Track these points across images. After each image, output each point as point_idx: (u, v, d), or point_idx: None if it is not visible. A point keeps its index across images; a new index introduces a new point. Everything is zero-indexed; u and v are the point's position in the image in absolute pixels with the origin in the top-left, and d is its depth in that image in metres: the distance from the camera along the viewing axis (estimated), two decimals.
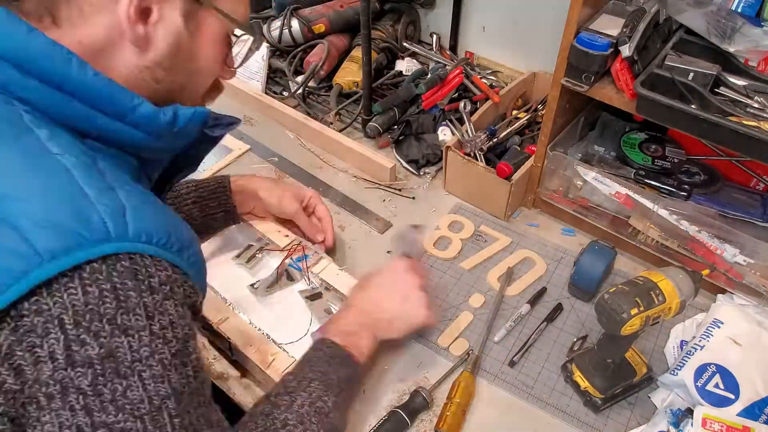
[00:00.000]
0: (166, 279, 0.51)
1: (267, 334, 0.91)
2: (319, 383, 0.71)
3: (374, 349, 0.81)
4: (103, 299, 0.46)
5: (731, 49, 0.88)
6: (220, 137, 0.66)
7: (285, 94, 1.43)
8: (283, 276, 1.00)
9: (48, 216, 0.46)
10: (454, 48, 1.50)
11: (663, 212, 0.98)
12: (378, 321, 0.82)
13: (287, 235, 1.03)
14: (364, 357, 0.79)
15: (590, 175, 1.03)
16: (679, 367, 0.85)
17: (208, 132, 0.62)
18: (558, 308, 0.99)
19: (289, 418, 0.66)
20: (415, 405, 0.84)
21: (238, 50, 0.67)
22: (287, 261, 1.00)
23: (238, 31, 0.64)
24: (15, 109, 0.50)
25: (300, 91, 1.39)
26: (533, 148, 1.14)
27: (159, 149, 0.59)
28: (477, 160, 1.13)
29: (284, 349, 0.89)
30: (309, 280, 0.98)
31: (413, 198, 1.20)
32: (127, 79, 0.55)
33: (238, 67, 0.67)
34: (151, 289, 0.49)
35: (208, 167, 1.25)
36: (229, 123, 0.65)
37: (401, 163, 1.26)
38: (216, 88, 0.66)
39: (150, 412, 0.47)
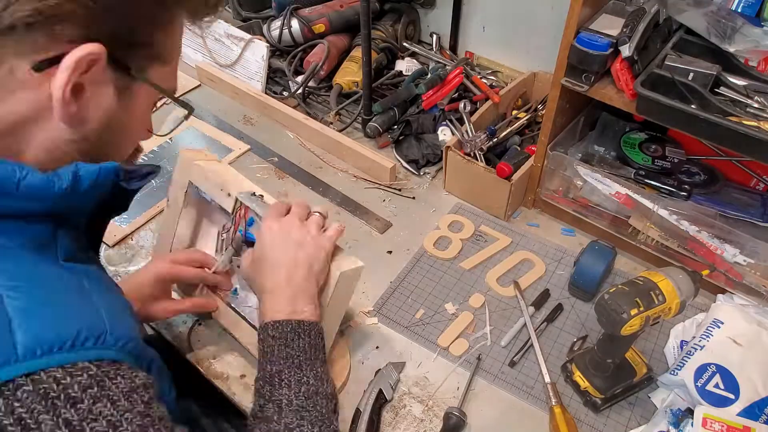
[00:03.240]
0: (88, 383, 0.44)
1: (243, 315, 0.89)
2: (288, 371, 0.67)
3: (317, 305, 0.74)
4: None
5: (731, 49, 0.88)
6: (139, 188, 0.61)
7: (285, 94, 1.43)
8: (243, 247, 0.88)
9: None
10: (454, 48, 1.50)
11: (663, 212, 0.98)
12: (301, 284, 0.73)
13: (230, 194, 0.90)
14: (312, 315, 0.72)
15: (590, 175, 1.03)
16: (679, 367, 0.85)
17: (124, 185, 0.57)
18: (558, 308, 0.99)
19: (287, 422, 0.63)
20: (451, 427, 0.83)
21: (171, 126, 0.66)
22: (238, 231, 0.89)
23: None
24: None
25: (300, 91, 1.39)
26: (533, 148, 1.14)
27: (71, 209, 0.54)
28: (477, 160, 1.13)
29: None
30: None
31: (413, 198, 1.20)
32: (48, 152, 0.51)
33: (165, 135, 0.65)
34: (69, 401, 0.43)
35: None
36: (146, 174, 0.60)
37: (401, 163, 1.26)
38: (138, 150, 0.63)
39: None
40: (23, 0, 0.43)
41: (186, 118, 0.66)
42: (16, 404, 0.41)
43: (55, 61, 0.46)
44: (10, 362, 0.42)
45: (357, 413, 0.83)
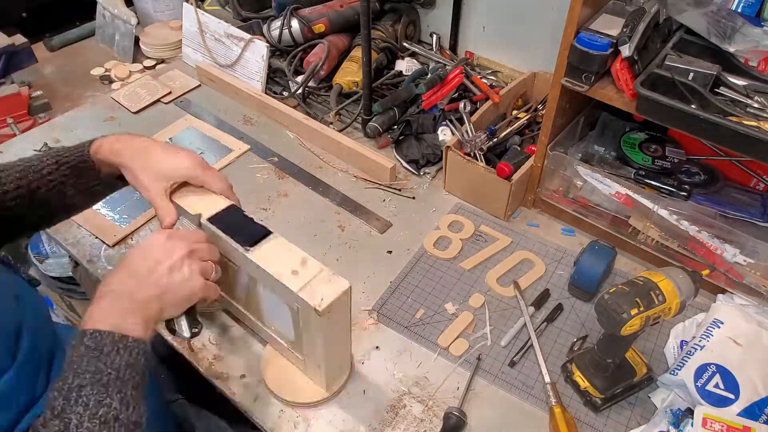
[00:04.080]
0: None
1: None
2: (92, 387, 0.58)
3: (151, 331, 0.67)
4: None
5: (731, 49, 0.88)
6: None
7: (285, 94, 1.43)
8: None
9: None
10: (454, 48, 1.50)
11: (663, 212, 0.98)
12: (144, 301, 0.67)
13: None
14: (142, 333, 0.64)
15: (590, 175, 1.03)
16: (679, 367, 0.85)
17: None
18: (558, 308, 0.99)
19: None
20: (451, 427, 0.83)
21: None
22: None
23: None
24: None
25: (300, 91, 1.39)
26: (533, 148, 1.14)
27: None
28: (477, 160, 1.13)
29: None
30: None
31: (413, 198, 1.20)
32: None
33: None
34: None
35: None
36: None
37: (401, 163, 1.26)
38: None
39: None
40: None
41: None
42: None
43: None
44: None
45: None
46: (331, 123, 1.34)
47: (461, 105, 1.25)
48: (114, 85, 1.53)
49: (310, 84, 1.41)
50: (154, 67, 1.57)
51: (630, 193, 1.00)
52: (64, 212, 0.89)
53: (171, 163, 0.81)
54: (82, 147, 0.83)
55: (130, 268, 0.69)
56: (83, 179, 0.82)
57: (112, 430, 0.57)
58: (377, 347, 0.94)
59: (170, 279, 0.69)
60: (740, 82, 0.87)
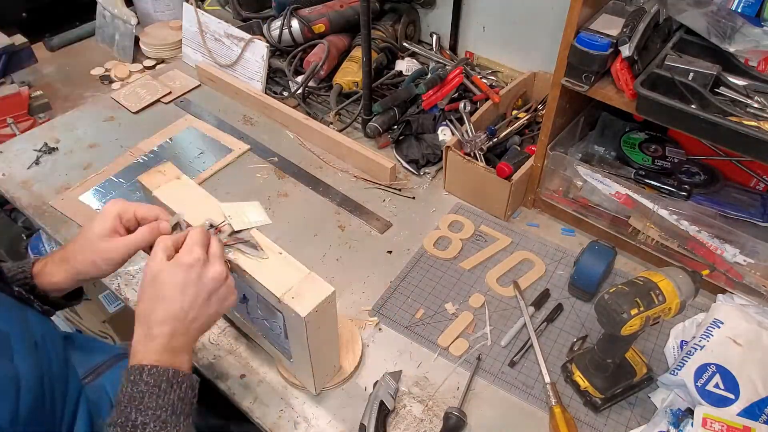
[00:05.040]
0: None
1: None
2: (154, 424, 0.61)
3: (191, 355, 0.70)
4: None
5: (731, 49, 0.88)
6: None
7: (285, 94, 1.43)
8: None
9: None
10: (454, 48, 1.50)
11: (663, 212, 0.98)
12: (193, 337, 0.70)
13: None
14: (189, 365, 0.68)
15: (590, 175, 1.03)
16: (679, 367, 0.85)
17: None
18: (558, 308, 0.99)
19: None
20: (451, 427, 0.83)
21: None
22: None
23: None
24: None
25: (300, 91, 1.39)
26: (533, 148, 1.14)
27: None
28: (477, 160, 1.13)
29: None
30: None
31: (413, 198, 1.20)
32: None
33: None
34: None
35: (208, 167, 1.25)
36: None
37: (401, 163, 1.26)
38: None
39: None
40: None
41: None
42: None
43: None
44: None
45: (362, 428, 0.83)
46: (331, 123, 1.34)
47: (461, 105, 1.25)
48: (114, 85, 1.53)
49: (310, 84, 1.41)
50: (154, 67, 1.57)
51: (630, 193, 1.00)
52: None
53: (97, 218, 0.76)
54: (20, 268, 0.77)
55: (172, 305, 0.67)
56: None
57: None
58: (377, 347, 0.94)
59: (211, 306, 0.70)
60: (740, 82, 0.87)
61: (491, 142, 1.18)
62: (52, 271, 0.76)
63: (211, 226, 0.77)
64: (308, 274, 0.74)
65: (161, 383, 0.64)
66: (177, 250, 0.71)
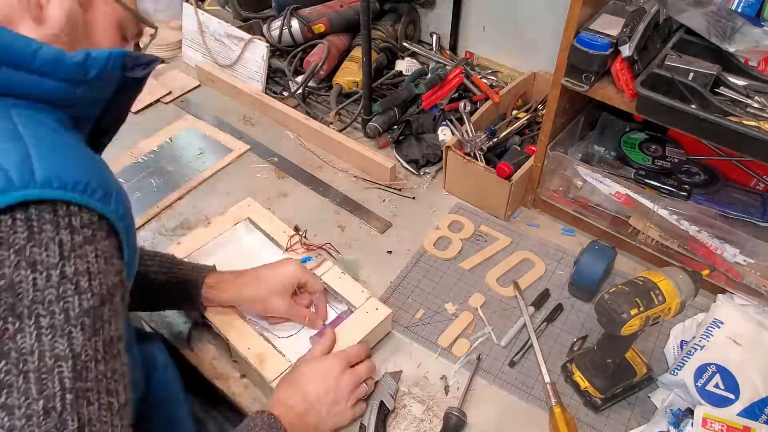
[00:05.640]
0: (89, 222, 0.48)
1: (260, 332, 0.91)
2: None
3: None
4: (14, 229, 0.44)
5: (731, 49, 0.88)
6: (144, 80, 0.64)
7: (285, 94, 1.43)
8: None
9: None
10: (454, 48, 1.50)
11: (663, 212, 0.98)
12: (306, 424, 0.78)
13: (292, 235, 1.04)
14: None
15: (590, 175, 1.03)
16: (679, 367, 0.85)
17: (129, 75, 0.60)
18: (558, 308, 0.99)
19: None
20: (451, 427, 0.83)
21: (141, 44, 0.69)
22: None
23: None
24: None
25: (300, 91, 1.39)
26: (533, 148, 1.14)
27: (83, 101, 0.58)
28: (477, 160, 1.13)
29: (278, 349, 0.88)
30: None
31: (413, 198, 1.20)
32: None
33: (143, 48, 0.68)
34: (70, 227, 0.46)
35: (208, 167, 1.25)
36: (149, 61, 0.63)
37: (401, 163, 1.26)
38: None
39: (37, 370, 0.41)
40: None
41: (153, 36, 0.70)
42: (31, 216, 0.45)
43: None
44: (28, 185, 0.46)
45: (362, 428, 0.83)
46: (331, 123, 1.34)
47: (461, 105, 1.25)
48: None
49: (310, 84, 1.41)
50: None
51: (630, 193, 1.00)
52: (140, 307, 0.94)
53: (283, 272, 0.90)
54: (194, 275, 0.89)
55: (306, 388, 0.79)
56: (180, 295, 0.88)
57: None
58: (377, 347, 0.94)
59: (330, 412, 0.79)
60: (740, 82, 0.87)
61: (491, 142, 1.18)
62: (225, 289, 0.88)
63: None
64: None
65: (273, 428, 0.71)
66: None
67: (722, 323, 0.86)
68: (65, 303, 0.44)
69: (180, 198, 1.19)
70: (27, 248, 0.44)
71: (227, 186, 1.22)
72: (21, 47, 0.52)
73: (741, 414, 0.78)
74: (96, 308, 0.46)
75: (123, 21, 0.63)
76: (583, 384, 0.87)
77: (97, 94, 0.59)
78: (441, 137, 1.25)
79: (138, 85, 0.64)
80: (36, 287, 0.43)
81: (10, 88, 0.52)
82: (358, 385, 0.83)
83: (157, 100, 1.43)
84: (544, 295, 1.01)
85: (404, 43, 1.50)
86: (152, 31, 0.69)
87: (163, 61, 0.67)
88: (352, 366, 0.83)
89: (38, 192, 0.46)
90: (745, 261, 0.93)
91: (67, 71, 0.54)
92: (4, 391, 0.41)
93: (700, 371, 0.83)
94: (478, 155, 1.14)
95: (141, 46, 0.69)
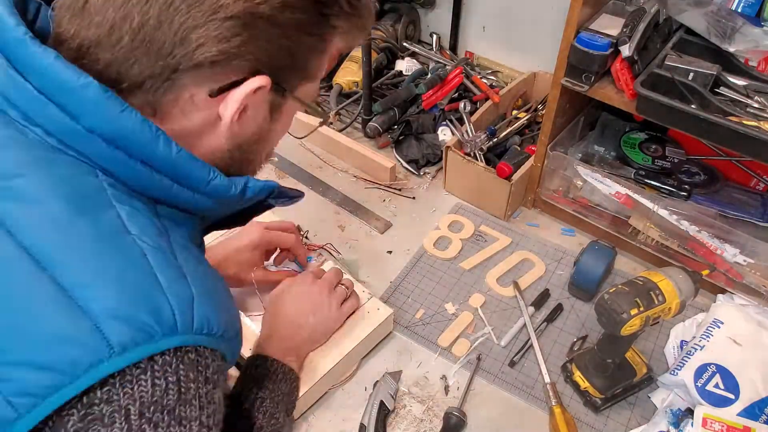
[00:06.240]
0: (217, 369, 0.51)
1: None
2: (270, 401, 0.73)
3: (302, 365, 0.84)
4: (167, 391, 0.46)
5: (731, 49, 0.88)
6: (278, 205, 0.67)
7: None
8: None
9: (121, 306, 0.45)
10: (454, 48, 1.50)
11: (663, 212, 0.98)
12: (300, 343, 0.84)
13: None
14: (298, 371, 0.81)
15: (590, 175, 1.03)
16: (679, 367, 0.85)
17: (272, 202, 0.64)
18: (558, 308, 0.99)
19: None
20: (451, 427, 0.83)
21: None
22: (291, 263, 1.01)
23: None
24: (98, 181, 0.50)
25: None
26: (533, 148, 1.14)
27: (221, 211, 0.61)
28: (477, 160, 1.13)
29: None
30: None
31: (413, 198, 1.20)
32: (204, 155, 0.56)
33: (302, 138, 0.71)
34: (206, 380, 0.49)
35: None
36: (293, 197, 0.66)
37: (401, 163, 1.26)
38: (269, 155, 0.69)
39: None
40: (211, 43, 0.48)
41: (320, 125, 0.75)
42: (181, 368, 0.47)
43: (228, 88, 0.52)
44: (187, 331, 0.48)
45: (362, 428, 0.83)
46: (331, 123, 1.34)
47: (461, 105, 1.25)
48: None
49: None
50: None
51: (630, 193, 1.00)
52: None
53: (243, 244, 0.92)
54: None
55: (284, 313, 0.85)
56: None
57: None
58: (377, 347, 0.94)
59: (315, 320, 0.85)
60: (740, 82, 0.87)
61: (491, 143, 1.18)
62: None
63: None
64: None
65: (279, 373, 0.76)
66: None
67: (722, 323, 0.86)
68: None
69: None
70: (176, 408, 0.46)
71: None
72: (201, 175, 0.53)
73: (741, 414, 0.78)
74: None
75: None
76: (583, 384, 0.87)
77: (235, 209, 0.62)
78: (441, 137, 1.25)
79: (270, 206, 0.66)
80: None
81: (175, 203, 0.54)
82: (330, 287, 0.88)
83: None
84: (544, 295, 1.01)
85: (404, 43, 1.50)
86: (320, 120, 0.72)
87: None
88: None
89: (192, 338, 0.48)
90: (745, 261, 0.93)
91: (228, 198, 0.56)
92: None
93: (700, 371, 0.83)
94: (478, 155, 1.14)
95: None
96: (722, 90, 0.87)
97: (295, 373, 0.79)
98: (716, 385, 0.81)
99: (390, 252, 1.10)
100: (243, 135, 0.57)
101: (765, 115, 0.83)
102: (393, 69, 1.45)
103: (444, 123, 1.26)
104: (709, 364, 0.83)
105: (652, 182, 1.01)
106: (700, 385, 0.82)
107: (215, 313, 0.50)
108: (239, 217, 0.66)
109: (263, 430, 0.70)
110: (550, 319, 0.98)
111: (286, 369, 0.77)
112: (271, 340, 0.81)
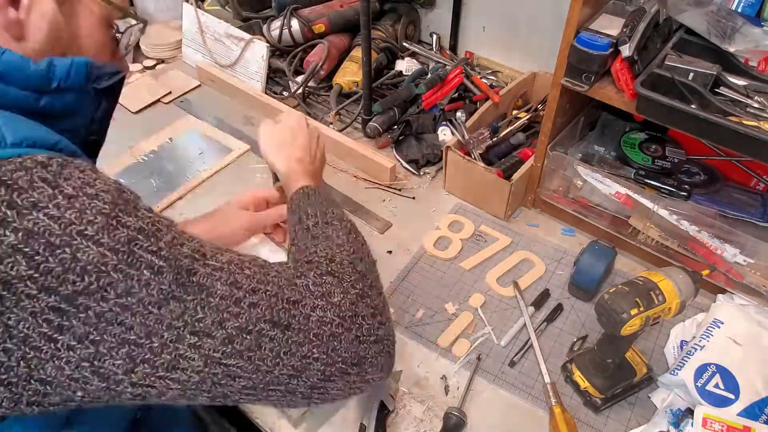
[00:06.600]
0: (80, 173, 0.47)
1: None
2: (323, 206, 0.76)
3: (319, 179, 0.90)
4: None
5: (731, 49, 0.88)
6: (116, 92, 0.63)
7: (285, 94, 1.43)
8: None
9: None
10: (454, 48, 1.50)
11: (663, 212, 0.98)
12: (298, 160, 0.86)
13: None
14: (312, 182, 0.83)
15: (590, 175, 1.03)
16: (679, 367, 0.85)
17: (95, 86, 0.58)
18: (558, 308, 0.99)
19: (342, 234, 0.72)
20: (451, 427, 0.83)
21: (126, 40, 0.67)
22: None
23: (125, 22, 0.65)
24: None
25: (300, 91, 1.39)
26: (529, 153, 1.14)
27: (56, 112, 0.56)
28: (477, 160, 1.13)
29: None
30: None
31: (413, 198, 1.20)
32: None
33: (125, 55, 0.67)
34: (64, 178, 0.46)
35: (208, 167, 1.25)
36: (112, 72, 0.61)
37: (401, 163, 1.26)
38: (120, 72, 0.65)
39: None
40: None
41: (140, 30, 0.69)
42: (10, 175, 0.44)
43: None
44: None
45: (362, 428, 0.83)
46: (331, 123, 1.34)
47: (458, 114, 1.25)
48: None
49: (310, 84, 1.41)
50: (154, 67, 1.57)
51: (630, 193, 1.00)
52: None
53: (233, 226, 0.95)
54: None
55: (285, 147, 0.88)
56: None
57: (354, 234, 0.74)
58: None
59: (298, 142, 0.89)
60: (740, 82, 0.87)
61: (492, 140, 1.18)
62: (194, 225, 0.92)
63: None
64: None
65: (311, 195, 0.78)
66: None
67: (722, 323, 0.86)
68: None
69: (180, 198, 1.19)
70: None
71: (227, 186, 1.22)
72: None
73: (741, 414, 0.78)
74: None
75: (110, 19, 0.61)
76: (583, 384, 0.87)
77: (67, 106, 0.57)
78: (441, 137, 1.25)
79: (112, 95, 0.62)
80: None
81: None
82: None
83: (157, 100, 1.43)
84: (544, 295, 1.01)
85: (404, 43, 1.50)
86: (140, 25, 0.68)
87: (127, 72, 0.64)
88: None
89: (11, 151, 0.46)
90: (745, 261, 0.93)
91: (30, 79, 0.52)
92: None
93: (700, 371, 0.83)
94: (475, 154, 1.15)
95: (123, 43, 0.67)
96: (722, 90, 0.87)
97: (311, 189, 0.80)
98: (716, 385, 0.81)
99: (390, 252, 1.10)
100: (34, 36, 0.54)
101: (765, 115, 0.83)
102: (393, 69, 1.45)
103: (444, 123, 1.26)
104: (709, 364, 0.83)
105: (652, 182, 1.01)
106: (700, 385, 0.82)
107: (37, 134, 0.49)
108: (100, 124, 0.63)
109: (339, 237, 0.71)
110: (550, 319, 0.98)
111: (317, 190, 0.79)
112: (294, 175, 0.84)
